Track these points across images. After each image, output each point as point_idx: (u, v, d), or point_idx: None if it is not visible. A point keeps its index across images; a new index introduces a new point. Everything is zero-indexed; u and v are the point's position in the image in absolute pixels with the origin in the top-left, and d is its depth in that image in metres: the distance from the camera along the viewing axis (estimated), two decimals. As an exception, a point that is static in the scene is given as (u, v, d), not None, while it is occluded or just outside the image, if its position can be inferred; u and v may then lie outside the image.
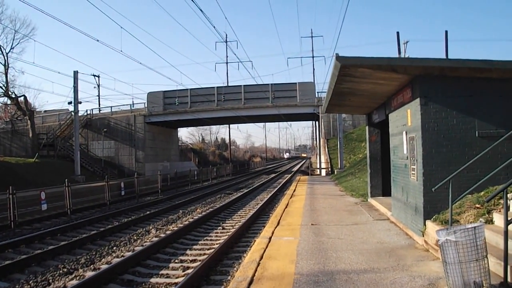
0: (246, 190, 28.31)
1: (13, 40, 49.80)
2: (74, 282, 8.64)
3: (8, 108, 60.61)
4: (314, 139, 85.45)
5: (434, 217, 8.65)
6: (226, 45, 63.53)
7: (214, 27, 37.64)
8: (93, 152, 53.12)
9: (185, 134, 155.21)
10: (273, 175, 48.73)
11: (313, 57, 74.45)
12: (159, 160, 55.91)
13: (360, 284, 6.47)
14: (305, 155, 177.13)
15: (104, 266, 9.69)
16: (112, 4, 35.68)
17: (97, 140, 53.52)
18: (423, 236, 8.78)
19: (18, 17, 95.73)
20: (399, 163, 11.25)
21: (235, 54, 42.16)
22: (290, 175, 48.85)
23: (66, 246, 12.17)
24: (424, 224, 8.81)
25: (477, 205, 8.11)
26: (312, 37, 79.55)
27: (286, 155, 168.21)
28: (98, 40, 33.35)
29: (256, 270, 7.44)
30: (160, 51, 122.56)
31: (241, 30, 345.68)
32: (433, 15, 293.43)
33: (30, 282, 9.05)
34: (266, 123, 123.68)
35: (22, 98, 49.65)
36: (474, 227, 5.28)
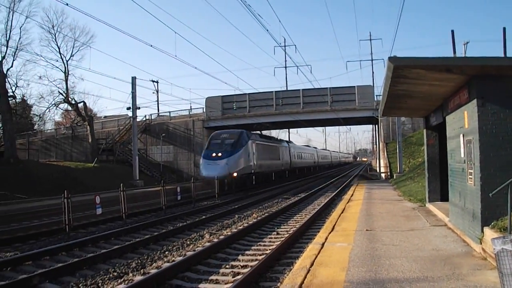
0: (304, 195, 28.06)
1: (73, 48, 51.43)
2: (122, 286, 8.72)
3: (69, 114, 62.69)
4: (374, 143, 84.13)
5: (492, 223, 8.25)
6: (285, 49, 63.34)
7: (267, 30, 37.69)
8: (152, 157, 54.11)
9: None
10: (332, 180, 48.22)
11: (372, 60, 73.08)
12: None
13: (412, 293, 6.24)
14: (365, 159, 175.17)
15: (153, 271, 9.74)
16: (166, 9, 36.24)
17: (155, 145, 54.42)
18: (481, 243, 8.39)
19: (78, 26, 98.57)
20: (456, 167, 10.85)
21: (291, 58, 42.30)
22: (349, 179, 48.26)
23: (118, 250, 12.37)
24: (482, 231, 8.41)
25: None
26: (370, 40, 78.12)
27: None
28: (152, 46, 33.87)
29: (305, 277, 7.30)
30: (217, 56, 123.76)
31: (299, 35, 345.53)
32: (491, 14, 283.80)
33: (80, 285, 9.24)
34: (326, 127, 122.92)
35: (81, 104, 51.41)
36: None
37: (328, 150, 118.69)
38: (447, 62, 8.92)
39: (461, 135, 10.08)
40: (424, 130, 17.16)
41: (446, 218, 12.39)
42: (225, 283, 8.82)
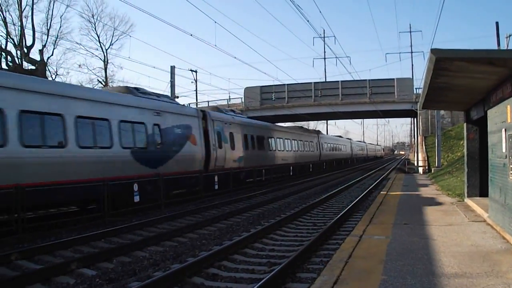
0: (342, 187, 27.95)
1: (112, 36, 52.32)
2: (159, 273, 8.92)
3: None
4: (412, 137, 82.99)
5: (533, 220, 8.17)
6: (324, 40, 63.01)
7: (307, 21, 37.70)
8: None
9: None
10: (370, 172, 47.86)
11: (411, 52, 71.88)
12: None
13: (450, 288, 6.25)
14: (403, 152, 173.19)
15: (190, 259, 9.91)
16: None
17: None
18: (522, 240, 8.33)
19: (117, 15, 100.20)
20: (497, 162, 10.71)
21: (331, 49, 42.40)
22: (387, 172, 47.81)
23: (155, 238, 12.57)
24: (523, 228, 8.35)
25: None
26: (410, 32, 76.63)
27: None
28: (191, 35, 34.11)
29: (342, 269, 7.37)
30: (256, 46, 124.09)
31: (338, 26, 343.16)
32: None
33: (116, 271, 9.46)
34: (364, 120, 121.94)
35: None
36: None
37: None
38: (490, 54, 8.81)
39: (503, 130, 9.94)
40: (465, 124, 16.92)
41: (485, 214, 12.26)
42: (261, 273, 8.91)
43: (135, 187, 17.25)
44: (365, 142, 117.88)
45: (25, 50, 41.83)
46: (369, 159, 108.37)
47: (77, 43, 72.67)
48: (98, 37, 53.26)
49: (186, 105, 43.21)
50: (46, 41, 45.05)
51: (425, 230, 10.95)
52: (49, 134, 14.79)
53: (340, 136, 79.77)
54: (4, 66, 39.80)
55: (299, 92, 52.04)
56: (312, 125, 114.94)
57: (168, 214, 17.03)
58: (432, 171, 39.44)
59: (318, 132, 60.04)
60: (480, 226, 11.21)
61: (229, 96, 59.56)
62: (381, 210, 14.71)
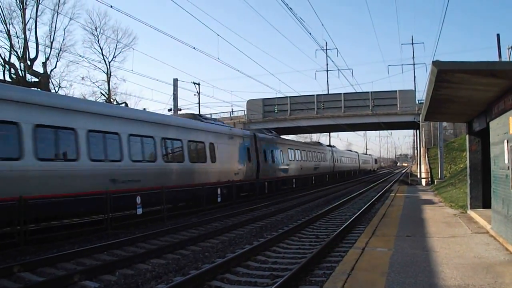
0: (344, 199, 27.90)
1: (115, 49, 52.53)
2: (162, 286, 8.89)
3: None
4: (415, 148, 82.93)
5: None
6: (326, 53, 63.27)
7: (310, 34, 37.74)
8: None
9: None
10: (372, 184, 47.79)
11: (414, 64, 71.95)
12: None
13: (453, 300, 6.24)
14: (405, 164, 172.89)
15: (193, 272, 9.90)
16: (209, 11, 36.67)
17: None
18: (525, 252, 8.31)
19: (120, 27, 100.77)
20: (500, 174, 10.71)
21: (333, 62, 42.37)
22: (389, 184, 47.75)
23: (158, 250, 12.56)
24: (526, 239, 8.34)
25: None
26: (412, 44, 76.65)
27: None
28: (194, 48, 34.28)
29: (345, 282, 7.37)
30: (259, 59, 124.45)
31: (340, 38, 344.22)
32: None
33: (119, 283, 9.43)
34: (367, 132, 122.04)
35: (123, 105, 52.19)
36: None
37: (370, 155, 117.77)
38: (492, 66, 8.84)
39: (506, 141, 9.96)
40: (467, 136, 16.94)
41: (488, 226, 12.24)
42: (264, 286, 8.90)
43: (138, 199, 17.30)
44: (370, 155, 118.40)
45: (29, 62, 42.00)
46: (375, 170, 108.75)
47: (80, 56, 73.06)
48: (101, 50, 53.50)
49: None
50: (50, 53, 45.26)
51: (428, 242, 10.93)
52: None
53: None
54: (7, 78, 39.96)
55: (302, 104, 52.20)
56: (314, 137, 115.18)
57: (170, 226, 17.01)
58: (435, 182, 39.38)
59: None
60: (483, 238, 11.18)
61: (232, 109, 59.68)
62: (384, 222, 14.69)
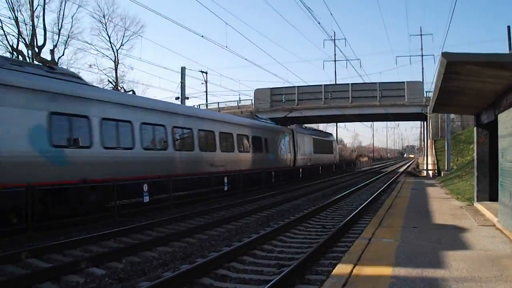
0: (350, 190, 27.92)
1: (123, 37, 52.54)
2: (168, 273, 8.96)
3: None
4: (422, 140, 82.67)
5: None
6: (334, 42, 63.14)
7: (319, 23, 37.79)
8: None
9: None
10: (379, 175, 47.74)
11: (422, 55, 71.84)
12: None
13: (459, 292, 6.25)
14: (412, 156, 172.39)
15: (199, 259, 9.95)
16: (217, 0, 36.57)
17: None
18: (532, 245, 8.29)
19: (128, 15, 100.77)
20: (508, 167, 10.67)
21: (341, 52, 42.61)
22: (396, 175, 47.70)
23: (165, 238, 12.62)
24: (533, 233, 8.32)
25: None
26: (421, 35, 76.28)
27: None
28: (203, 36, 34.14)
29: (351, 272, 7.38)
30: (266, 48, 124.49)
31: (349, 28, 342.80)
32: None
33: (125, 270, 9.49)
34: (374, 123, 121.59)
35: (131, 93, 52.19)
36: None
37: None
38: (501, 58, 8.80)
39: (514, 134, 9.93)
40: (475, 128, 16.85)
41: (494, 219, 12.21)
42: (270, 275, 8.93)
43: (145, 187, 17.38)
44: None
45: (36, 50, 42.09)
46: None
47: (88, 43, 73.19)
48: (109, 38, 53.52)
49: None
50: (57, 41, 45.38)
51: (434, 233, 10.91)
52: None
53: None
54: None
55: (309, 94, 52.13)
56: (321, 127, 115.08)
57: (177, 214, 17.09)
58: (442, 174, 39.31)
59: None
60: (489, 231, 11.16)
61: (239, 98, 59.82)
62: (390, 213, 14.68)
